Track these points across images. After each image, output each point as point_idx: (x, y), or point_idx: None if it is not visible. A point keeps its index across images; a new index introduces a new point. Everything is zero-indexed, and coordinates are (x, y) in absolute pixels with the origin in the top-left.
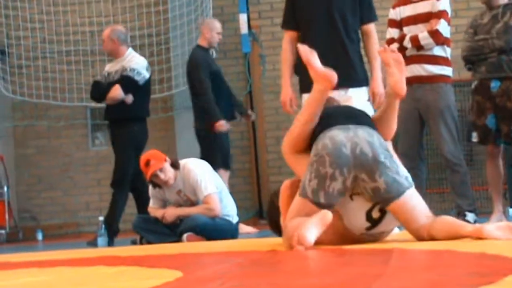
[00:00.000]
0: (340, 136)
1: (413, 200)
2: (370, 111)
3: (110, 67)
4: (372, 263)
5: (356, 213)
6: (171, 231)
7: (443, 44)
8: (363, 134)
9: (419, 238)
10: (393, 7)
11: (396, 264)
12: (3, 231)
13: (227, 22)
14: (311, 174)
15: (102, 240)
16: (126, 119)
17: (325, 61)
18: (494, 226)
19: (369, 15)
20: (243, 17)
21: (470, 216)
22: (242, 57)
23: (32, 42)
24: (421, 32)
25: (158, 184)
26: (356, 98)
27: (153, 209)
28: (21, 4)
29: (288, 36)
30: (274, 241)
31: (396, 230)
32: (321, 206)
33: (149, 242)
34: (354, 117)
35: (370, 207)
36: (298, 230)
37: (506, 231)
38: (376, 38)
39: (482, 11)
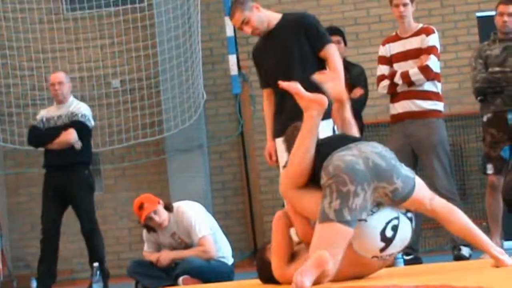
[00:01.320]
0: (347, 155)
1: (421, 186)
2: None
3: (49, 112)
4: None
5: (371, 235)
6: (167, 275)
7: (433, 79)
8: (366, 148)
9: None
10: (383, 44)
11: None
12: None
13: (216, 63)
14: (332, 196)
15: (97, 286)
16: (79, 163)
17: (285, 106)
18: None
19: (320, 42)
20: (232, 59)
21: (465, 250)
22: (232, 98)
23: (21, 90)
24: (411, 68)
25: (152, 227)
26: (323, 131)
27: (148, 253)
28: (10, 52)
29: (266, 94)
30: None
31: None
32: (347, 223)
33: (144, 287)
34: (346, 137)
35: (384, 226)
36: (295, 276)
37: None
38: (333, 57)
39: (488, 42)
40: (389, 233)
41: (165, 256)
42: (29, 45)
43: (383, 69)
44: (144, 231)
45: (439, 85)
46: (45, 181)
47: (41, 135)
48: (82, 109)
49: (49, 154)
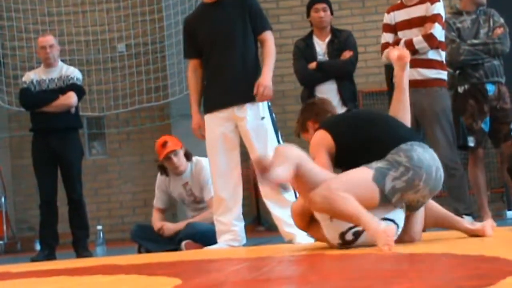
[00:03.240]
0: (427, 157)
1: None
2: (267, 126)
3: (39, 75)
4: (370, 268)
5: (330, 232)
6: (170, 239)
7: (437, 48)
8: (434, 155)
9: None
10: (388, 12)
11: (393, 268)
12: (1, 242)
13: None
14: (401, 178)
15: (100, 249)
16: (72, 128)
17: (221, 80)
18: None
19: (262, 26)
20: None
21: (467, 219)
22: None
23: (27, 53)
24: (416, 36)
25: (165, 170)
26: (253, 113)
27: (154, 218)
28: (16, 15)
29: (191, 64)
30: (273, 248)
31: None
32: (385, 200)
33: (147, 251)
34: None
35: (345, 230)
36: (382, 233)
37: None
38: (270, 43)
39: (452, 15)
40: (349, 236)
41: (169, 227)
42: (35, 8)
43: (387, 37)
44: (157, 179)
45: (443, 53)
46: (36, 145)
47: (37, 98)
48: (76, 73)
49: (40, 117)
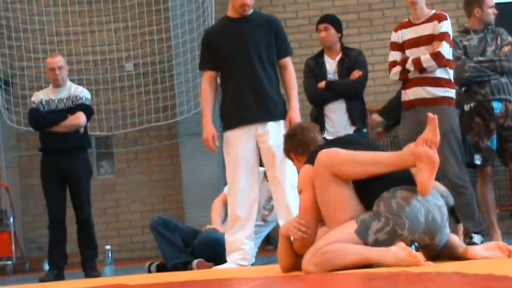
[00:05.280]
0: (413, 199)
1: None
2: None
3: (48, 95)
4: (380, 286)
5: None
6: (186, 246)
7: (445, 66)
8: (432, 198)
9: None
10: (395, 30)
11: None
12: (9, 262)
13: None
14: (384, 229)
15: (109, 269)
16: (81, 147)
17: (243, 97)
18: (482, 247)
19: (285, 50)
20: None
21: (476, 237)
22: None
23: (35, 72)
24: (424, 54)
25: None
26: (275, 131)
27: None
28: (24, 35)
29: (207, 76)
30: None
31: None
32: None
33: (158, 269)
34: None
35: None
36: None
37: (495, 250)
38: (292, 70)
39: (460, 34)
40: None
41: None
42: (43, 28)
43: (395, 55)
44: None
45: (451, 72)
46: (45, 165)
47: (46, 118)
48: (85, 93)
49: (49, 137)
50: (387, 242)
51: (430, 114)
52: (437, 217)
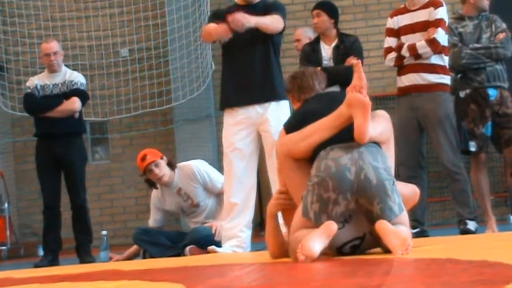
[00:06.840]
0: (344, 158)
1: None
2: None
3: (43, 80)
4: (374, 273)
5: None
6: (173, 244)
7: (440, 52)
8: (368, 157)
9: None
10: (391, 16)
11: (397, 274)
12: (4, 248)
13: None
14: (313, 197)
15: (104, 254)
16: (76, 133)
17: (244, 78)
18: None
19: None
20: None
21: (471, 224)
22: None
23: (30, 58)
24: (419, 41)
25: (153, 183)
26: (275, 116)
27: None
28: (19, 20)
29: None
30: None
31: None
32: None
33: (152, 256)
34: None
35: (340, 245)
36: (303, 242)
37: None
38: (276, 17)
39: (455, 20)
40: (346, 250)
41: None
42: (38, 13)
43: (391, 42)
44: (151, 196)
45: (446, 58)
46: (39, 150)
47: (41, 103)
48: (80, 78)
49: (44, 122)
50: (322, 209)
51: (353, 60)
52: (371, 177)
